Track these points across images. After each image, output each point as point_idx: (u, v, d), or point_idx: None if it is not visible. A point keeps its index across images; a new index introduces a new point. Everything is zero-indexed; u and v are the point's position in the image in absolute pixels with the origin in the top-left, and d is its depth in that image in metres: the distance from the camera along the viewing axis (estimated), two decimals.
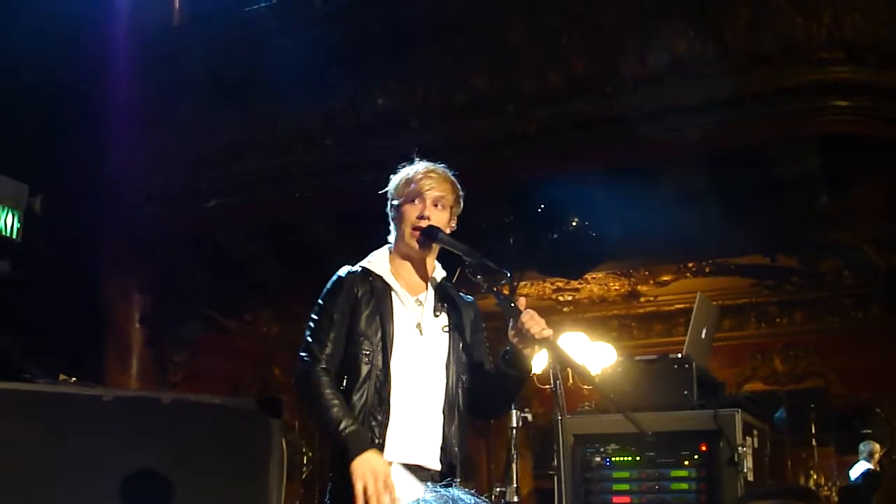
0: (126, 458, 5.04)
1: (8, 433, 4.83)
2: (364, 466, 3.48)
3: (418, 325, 3.74)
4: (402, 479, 3.53)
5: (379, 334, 3.67)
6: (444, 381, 3.73)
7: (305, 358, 3.68)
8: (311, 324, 3.76)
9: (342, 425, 3.54)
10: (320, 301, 3.77)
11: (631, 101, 6.83)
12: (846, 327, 11.45)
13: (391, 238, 3.89)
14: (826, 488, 10.67)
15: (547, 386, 4.15)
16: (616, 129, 6.87)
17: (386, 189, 3.89)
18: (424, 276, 3.84)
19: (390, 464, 3.53)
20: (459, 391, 3.75)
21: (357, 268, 3.81)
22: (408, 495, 3.45)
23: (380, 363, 3.64)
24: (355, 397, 3.62)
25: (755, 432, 5.16)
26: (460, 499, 1.51)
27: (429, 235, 3.74)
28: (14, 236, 7.08)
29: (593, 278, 10.84)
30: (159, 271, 8.99)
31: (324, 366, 3.64)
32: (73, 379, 5.41)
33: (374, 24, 7.60)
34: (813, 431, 10.80)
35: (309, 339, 3.72)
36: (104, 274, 8.69)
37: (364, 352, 3.64)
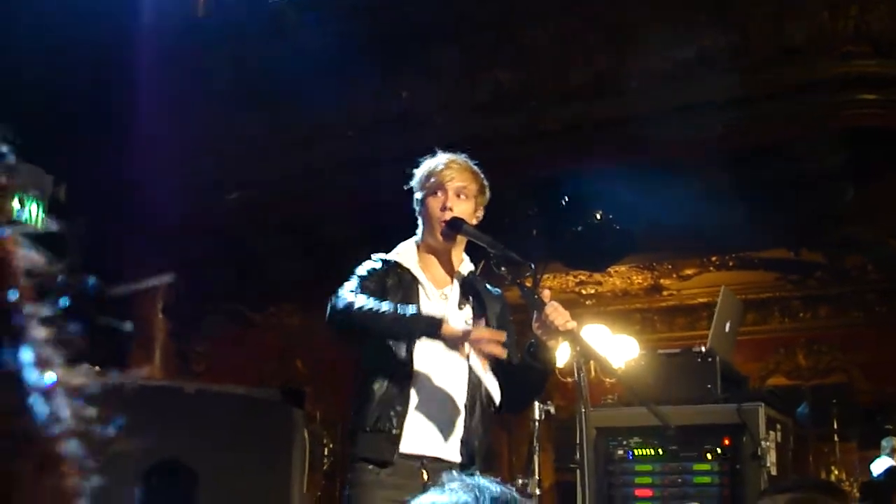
0: (149, 448, 5.07)
1: None
2: (451, 328, 3.51)
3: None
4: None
5: None
6: (468, 374, 3.73)
7: (335, 296, 3.68)
8: (346, 284, 3.75)
9: (398, 309, 3.53)
10: (355, 273, 3.77)
11: (655, 96, 6.81)
12: (870, 322, 11.39)
13: (418, 231, 3.90)
14: (847, 483, 10.62)
15: (570, 379, 4.16)
16: (639, 125, 6.85)
17: (411, 184, 3.90)
18: (451, 268, 3.85)
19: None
20: (482, 386, 3.76)
21: (388, 258, 3.83)
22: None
23: (402, 354, 3.65)
24: (375, 386, 3.63)
25: (778, 427, 5.15)
26: (486, 487, 1.52)
27: (453, 227, 3.74)
28: (39, 226, 7.15)
29: (616, 272, 10.82)
30: (183, 264, 9.02)
31: (352, 290, 3.65)
32: (97, 369, 5.46)
33: (398, 18, 7.60)
34: (835, 426, 10.75)
35: (344, 288, 3.71)
36: (128, 264, 8.73)
37: (387, 342, 3.65)
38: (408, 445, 3.61)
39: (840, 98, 6.58)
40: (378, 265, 3.80)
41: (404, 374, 3.63)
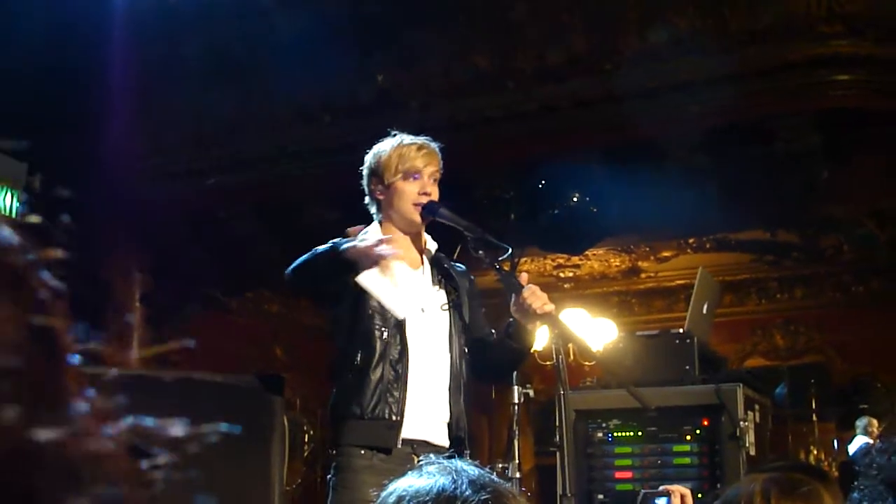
0: None
1: None
2: (356, 245, 3.46)
3: (420, 304, 3.75)
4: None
5: (391, 316, 3.66)
6: (448, 355, 3.73)
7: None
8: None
9: (325, 247, 3.54)
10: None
11: (631, 78, 6.81)
12: (846, 302, 11.47)
13: (376, 215, 3.87)
14: (826, 463, 10.70)
15: (548, 362, 4.16)
16: (616, 106, 6.85)
17: (368, 166, 3.87)
18: (420, 250, 3.84)
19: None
20: (463, 364, 3.76)
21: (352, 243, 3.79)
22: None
23: (396, 340, 3.64)
24: (372, 374, 3.60)
25: (757, 407, 5.17)
26: (464, 469, 1.51)
27: (432, 211, 3.73)
28: (13, 215, 7.09)
29: (594, 255, 10.84)
30: (159, 250, 8.99)
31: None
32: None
33: (373, 1, 7.58)
34: (813, 407, 10.82)
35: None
36: (104, 253, 8.69)
37: (377, 327, 3.63)
38: (407, 432, 3.60)
39: (814, 78, 6.60)
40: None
41: (399, 360, 3.62)
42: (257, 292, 10.63)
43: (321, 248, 3.56)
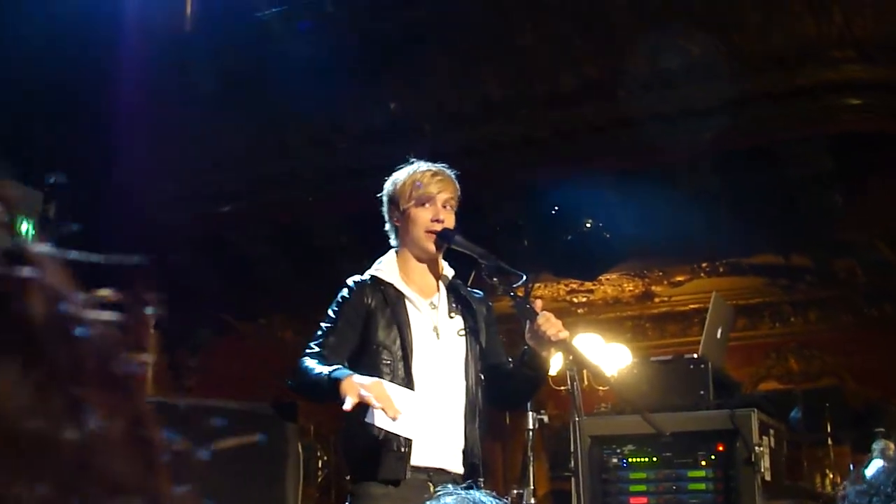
0: None
1: None
2: (351, 383, 3.40)
3: (435, 329, 3.75)
4: (396, 392, 3.50)
5: (398, 343, 3.66)
6: (464, 382, 3.73)
7: (299, 358, 3.69)
8: (317, 331, 3.77)
9: (326, 372, 3.51)
10: (328, 311, 3.78)
11: (643, 103, 6.82)
12: (860, 325, 11.41)
13: (394, 241, 3.89)
14: (843, 487, 10.62)
15: (563, 387, 4.16)
16: (628, 131, 6.87)
17: (385, 193, 3.89)
18: (435, 277, 3.84)
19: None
20: (479, 391, 3.76)
21: (366, 277, 3.81)
22: (402, 404, 3.43)
23: (401, 371, 3.64)
24: None
25: (772, 432, 5.15)
26: (481, 500, 1.51)
27: (445, 238, 3.74)
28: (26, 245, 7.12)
29: (607, 279, 10.83)
30: (173, 275, 9.01)
31: (310, 352, 3.66)
32: None
33: (385, 28, 7.61)
34: (829, 430, 10.76)
35: (309, 344, 3.73)
36: (117, 280, 8.71)
37: (384, 361, 3.64)
38: (415, 459, 3.60)
39: (826, 103, 6.61)
40: (352, 288, 3.78)
41: (405, 388, 3.61)
42: (270, 318, 10.64)
43: (319, 371, 3.54)
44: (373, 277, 3.80)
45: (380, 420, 3.39)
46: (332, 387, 3.41)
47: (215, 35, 8.38)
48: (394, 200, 3.85)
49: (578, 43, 7.03)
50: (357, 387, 3.35)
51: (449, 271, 3.89)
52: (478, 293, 3.96)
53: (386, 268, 3.83)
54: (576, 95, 7.02)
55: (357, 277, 3.83)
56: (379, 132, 7.53)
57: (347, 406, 3.32)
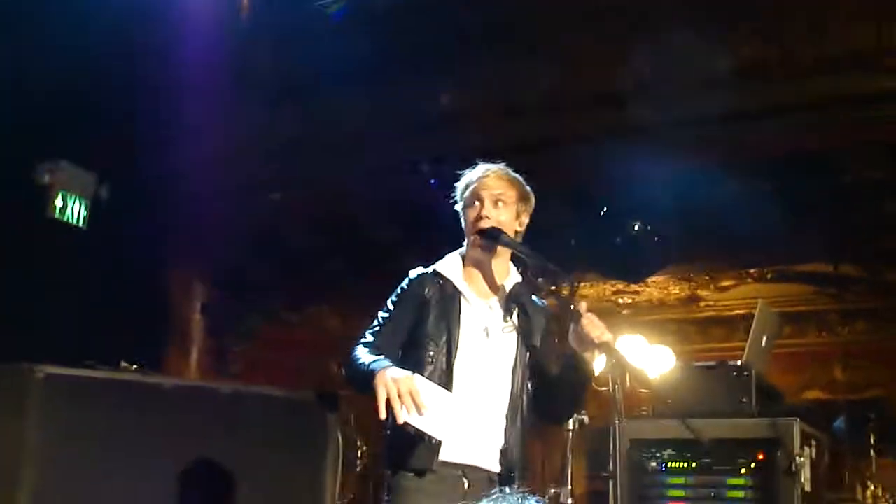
0: (184, 447, 5.11)
1: (68, 420, 4.91)
2: (384, 377, 3.43)
3: (485, 330, 3.77)
4: (430, 389, 3.51)
5: (444, 337, 3.69)
6: (510, 385, 3.74)
7: (353, 346, 3.73)
8: (373, 321, 3.82)
9: (368, 362, 3.55)
10: (387, 301, 3.83)
11: (696, 105, 6.78)
12: None
13: (465, 243, 3.93)
14: (885, 499, 10.53)
15: (604, 388, 4.16)
16: (680, 132, 6.83)
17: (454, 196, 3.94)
18: (495, 279, 3.86)
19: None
20: (524, 396, 3.77)
21: (429, 270, 3.86)
22: (439, 403, 3.45)
23: (443, 365, 3.66)
24: None
25: (814, 442, 5.13)
26: None
27: (487, 236, 3.76)
28: (81, 224, 7.20)
29: (653, 282, 10.78)
30: (223, 263, 9.07)
31: (364, 342, 3.69)
32: (135, 367, 5.50)
33: (438, 22, 7.60)
34: (872, 441, 10.66)
35: (364, 333, 3.78)
36: (167, 263, 8.78)
37: (429, 353, 3.67)
38: (448, 454, 3.62)
39: (882, 111, 6.54)
40: (412, 280, 3.83)
41: (444, 382, 3.63)
42: (318, 307, 10.68)
43: (364, 362, 3.59)
44: (434, 271, 3.84)
45: (407, 416, 3.41)
46: (370, 378, 3.44)
47: (272, 26, 8.44)
48: (457, 202, 3.90)
49: (630, 41, 6.99)
50: (387, 384, 3.38)
51: (515, 277, 3.90)
52: (542, 303, 3.95)
53: (449, 263, 3.87)
54: (627, 94, 6.98)
55: (420, 269, 3.88)
56: (430, 125, 7.53)
57: (381, 415, 3.36)
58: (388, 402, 3.37)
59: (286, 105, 8.11)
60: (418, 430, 3.47)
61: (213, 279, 9.24)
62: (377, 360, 3.54)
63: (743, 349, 5.43)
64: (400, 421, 3.39)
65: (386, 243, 8.22)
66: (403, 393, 3.37)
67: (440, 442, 3.59)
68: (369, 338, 3.73)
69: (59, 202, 6.93)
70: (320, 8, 7.92)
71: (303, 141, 8.07)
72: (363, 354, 3.62)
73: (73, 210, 7.09)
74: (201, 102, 7.95)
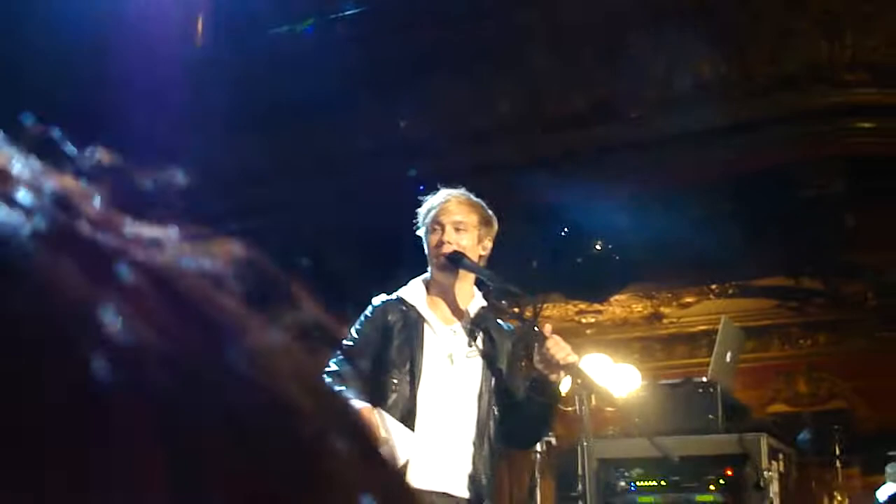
0: None
1: None
2: None
3: (449, 356, 3.74)
4: (391, 424, 3.50)
5: (407, 364, 3.67)
6: (476, 410, 3.72)
7: None
8: (336, 349, 3.78)
9: None
10: (351, 329, 3.80)
11: (654, 124, 6.81)
12: (871, 348, 11.36)
13: (428, 269, 3.92)
14: None
15: (570, 408, 4.14)
16: (640, 152, 6.86)
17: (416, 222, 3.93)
18: (459, 305, 3.84)
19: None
20: (491, 421, 3.74)
21: (393, 297, 3.83)
22: (398, 439, 3.43)
23: (406, 392, 3.64)
24: None
25: (781, 456, 5.14)
26: None
27: (451, 260, 3.75)
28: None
29: (616, 300, 10.80)
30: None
31: (328, 370, 3.66)
32: None
33: (396, 46, 7.61)
34: (837, 453, 10.70)
35: (328, 362, 3.75)
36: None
37: (392, 381, 3.65)
38: (417, 481, 3.58)
39: (838, 126, 6.59)
40: (376, 307, 3.81)
41: (408, 410, 3.61)
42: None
43: None
44: (398, 298, 3.83)
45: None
46: None
47: (228, 53, 8.41)
48: (419, 227, 3.87)
49: (589, 63, 7.02)
50: None
51: (479, 301, 3.89)
52: (508, 326, 3.94)
53: (412, 290, 3.85)
54: (587, 116, 7.00)
55: (383, 296, 3.85)
56: (389, 151, 7.51)
57: None
58: None
59: (245, 132, 8.07)
60: None
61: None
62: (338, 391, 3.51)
63: (707, 365, 5.45)
64: None
65: (346, 272, 8.18)
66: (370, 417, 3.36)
67: (404, 468, 3.57)
68: (333, 367, 3.69)
69: None
70: (276, 35, 7.91)
71: (262, 169, 8.03)
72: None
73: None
74: (156, 135, 7.91)
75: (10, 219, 0.34)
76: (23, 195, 0.36)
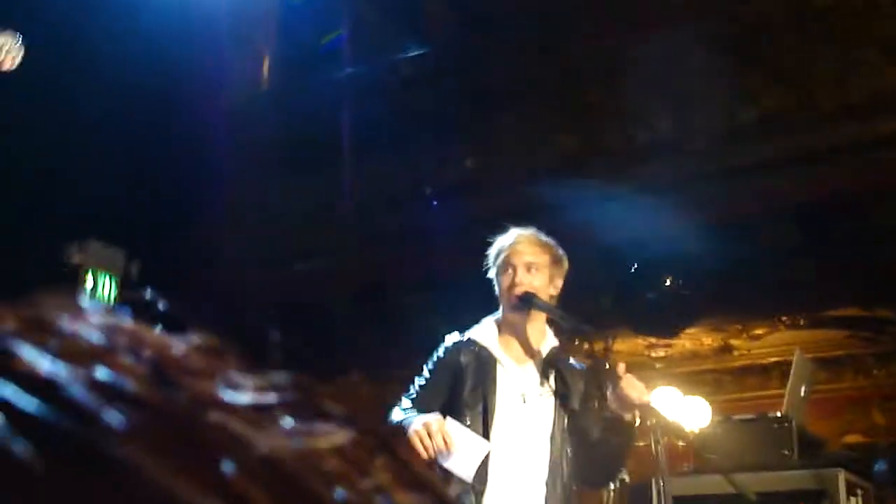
0: None
1: None
2: (416, 424, 3.47)
3: (522, 396, 3.74)
4: (461, 432, 3.51)
5: (480, 406, 3.68)
6: (548, 451, 3.71)
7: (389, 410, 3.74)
8: (409, 386, 3.81)
9: (403, 420, 3.57)
10: (424, 366, 3.82)
11: (722, 157, 6.78)
12: None
13: (499, 309, 3.93)
14: None
15: (641, 443, 4.11)
16: (706, 185, 6.82)
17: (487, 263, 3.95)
18: (532, 344, 3.84)
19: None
20: (564, 462, 3.73)
21: (463, 337, 3.85)
22: (469, 447, 3.44)
23: (479, 433, 3.64)
24: None
25: (860, 492, 5.05)
26: None
27: (524, 301, 3.75)
28: (111, 301, 7.23)
29: (686, 334, 10.70)
30: (246, 333, 9.06)
31: (401, 406, 3.69)
32: None
33: (460, 86, 7.66)
34: None
35: (401, 398, 3.77)
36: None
37: (466, 421, 3.65)
38: None
39: None
40: (448, 347, 3.82)
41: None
42: (346, 375, 10.65)
43: (398, 420, 3.63)
44: (470, 338, 3.83)
45: (440, 458, 3.43)
46: (405, 432, 3.46)
47: (292, 94, 8.50)
48: (490, 268, 3.88)
49: (650, 97, 7.01)
50: (418, 429, 3.42)
51: (552, 340, 3.88)
52: (580, 365, 3.93)
53: (484, 330, 3.86)
54: (651, 150, 6.98)
55: (455, 337, 3.86)
56: (453, 190, 7.54)
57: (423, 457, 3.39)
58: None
59: (304, 173, 8.15)
60: (449, 475, 3.48)
61: (239, 349, 9.21)
62: (407, 417, 3.55)
63: (778, 396, 5.40)
64: (426, 458, 3.39)
65: (411, 309, 8.20)
66: (434, 433, 3.39)
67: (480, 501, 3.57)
68: (406, 403, 3.72)
69: (89, 281, 6.98)
70: (341, 77, 7.99)
71: (323, 210, 8.09)
72: (399, 416, 3.63)
73: (104, 288, 7.13)
74: (225, 173, 8.01)
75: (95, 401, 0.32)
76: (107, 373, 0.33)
